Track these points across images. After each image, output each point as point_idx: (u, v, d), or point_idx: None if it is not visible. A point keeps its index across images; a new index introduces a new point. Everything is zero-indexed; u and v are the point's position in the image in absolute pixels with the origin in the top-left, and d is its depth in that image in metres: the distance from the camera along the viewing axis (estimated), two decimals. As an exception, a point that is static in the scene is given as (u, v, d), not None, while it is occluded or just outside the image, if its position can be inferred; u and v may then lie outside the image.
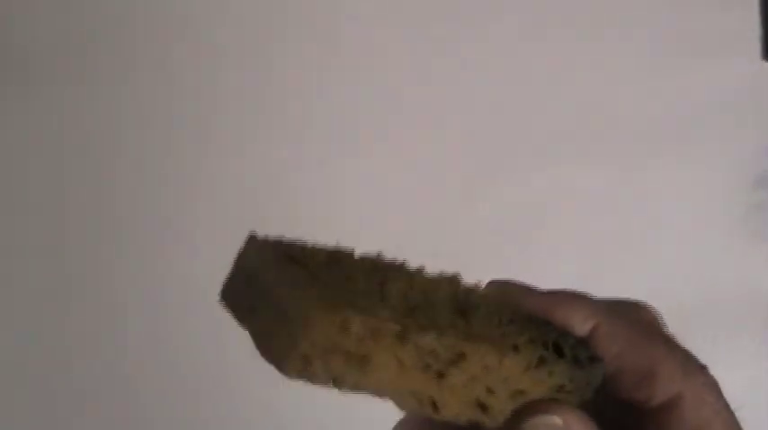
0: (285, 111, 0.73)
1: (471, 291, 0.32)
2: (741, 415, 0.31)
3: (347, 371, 0.27)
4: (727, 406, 0.31)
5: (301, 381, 0.27)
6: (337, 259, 0.31)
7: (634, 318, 0.33)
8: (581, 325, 0.31)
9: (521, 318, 0.31)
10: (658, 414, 0.31)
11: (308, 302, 0.26)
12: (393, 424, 0.33)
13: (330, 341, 0.26)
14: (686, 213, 0.73)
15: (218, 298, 0.30)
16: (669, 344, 0.31)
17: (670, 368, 0.30)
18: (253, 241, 0.30)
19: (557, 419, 0.29)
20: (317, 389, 0.27)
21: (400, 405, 0.29)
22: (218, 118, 0.72)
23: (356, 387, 0.27)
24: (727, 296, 0.71)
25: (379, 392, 0.28)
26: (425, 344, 0.28)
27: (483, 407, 0.29)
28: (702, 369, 0.31)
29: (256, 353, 0.27)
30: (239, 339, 0.29)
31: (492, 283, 0.33)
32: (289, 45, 0.73)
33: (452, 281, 0.32)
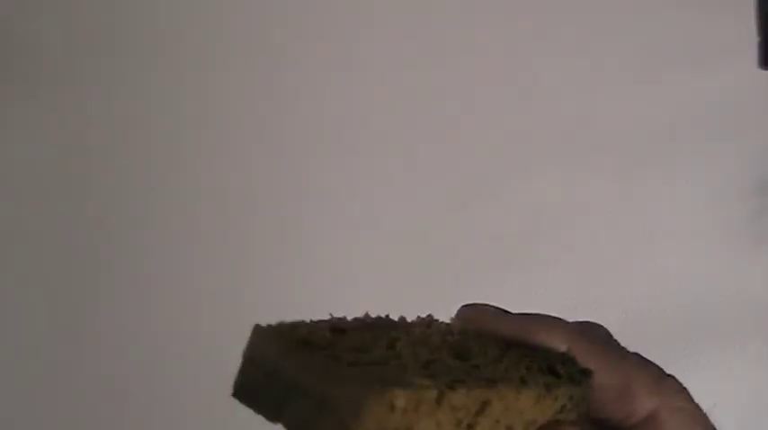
0: (285, 117, 0.73)
1: (451, 330, 0.33)
2: (716, 416, 0.32)
3: None
4: (699, 409, 0.32)
5: None
6: (341, 330, 0.32)
7: (602, 336, 0.33)
8: (557, 346, 0.32)
9: (504, 347, 0.32)
10: (639, 429, 0.31)
11: (351, 387, 0.27)
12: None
13: (380, 422, 0.27)
14: (687, 220, 0.74)
15: (231, 394, 0.30)
16: (639, 359, 0.32)
17: (645, 382, 0.31)
18: (258, 331, 0.31)
19: None
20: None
21: None
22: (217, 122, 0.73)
23: None
24: (729, 302, 0.71)
25: None
26: (458, 401, 0.29)
27: None
28: (671, 378, 0.32)
29: None
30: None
31: (464, 309, 0.33)
32: (289, 50, 0.74)
33: (432, 325, 0.33)
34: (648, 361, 0.32)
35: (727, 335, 0.70)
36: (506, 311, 0.34)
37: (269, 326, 0.31)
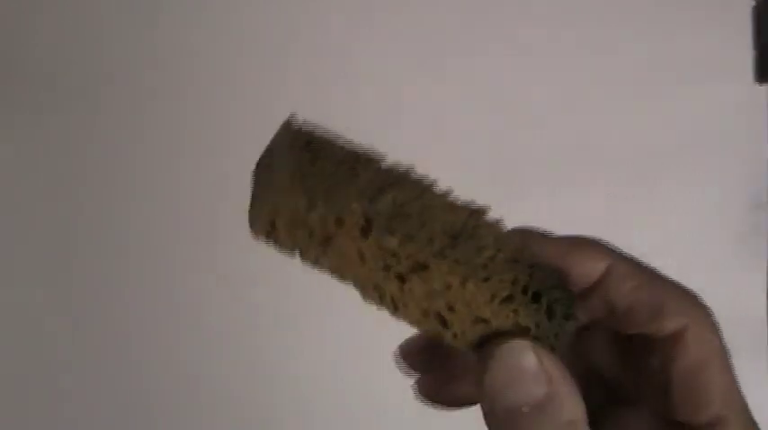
0: (283, 113, 0.73)
1: (486, 225, 0.32)
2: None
3: (310, 246, 0.29)
4: (724, 347, 0.33)
5: (268, 245, 0.29)
6: (354, 159, 0.32)
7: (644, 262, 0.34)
8: (595, 265, 0.33)
9: (523, 262, 0.31)
10: (664, 345, 0.32)
11: (285, 178, 0.29)
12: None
13: (295, 216, 0.29)
14: (683, 236, 0.74)
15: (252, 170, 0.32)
16: (676, 283, 0.33)
17: (679, 301, 0.33)
18: (287, 125, 0.32)
19: (531, 354, 0.30)
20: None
21: (363, 295, 0.30)
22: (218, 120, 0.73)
23: (318, 263, 0.30)
24: (726, 318, 0.71)
25: (342, 276, 0.30)
26: (386, 244, 0.29)
27: (444, 321, 0.31)
28: (706, 307, 0.33)
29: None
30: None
31: (514, 230, 0.33)
32: (293, 53, 0.74)
33: (473, 212, 0.32)
34: (686, 287, 0.33)
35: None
36: (550, 234, 0.34)
37: (300, 124, 0.32)
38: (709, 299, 0.73)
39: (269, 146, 0.32)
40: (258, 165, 0.32)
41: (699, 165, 0.74)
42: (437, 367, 0.35)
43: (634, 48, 0.75)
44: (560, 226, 0.71)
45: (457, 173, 0.73)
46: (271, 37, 0.73)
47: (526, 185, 0.73)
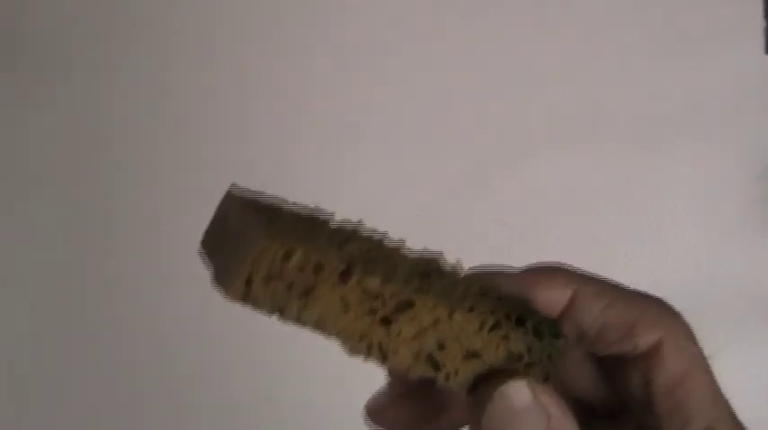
0: (288, 104, 0.73)
1: (448, 265, 0.32)
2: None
3: (290, 301, 0.28)
4: (702, 353, 0.32)
5: (247, 307, 0.28)
6: (309, 218, 0.32)
7: (609, 279, 0.34)
8: (561, 291, 0.32)
9: (491, 295, 0.32)
10: (641, 361, 0.32)
11: (256, 233, 0.28)
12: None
13: (273, 268, 0.28)
14: (690, 206, 0.73)
15: (198, 246, 0.31)
16: (644, 295, 0.33)
17: (650, 315, 0.32)
18: (230, 195, 0.31)
19: (527, 393, 0.30)
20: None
21: (350, 349, 0.29)
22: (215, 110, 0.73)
23: (300, 320, 0.28)
24: (732, 288, 0.71)
25: (325, 330, 0.29)
26: (369, 286, 0.28)
27: (435, 363, 0.30)
28: (678, 315, 0.32)
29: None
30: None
31: (474, 269, 0.33)
32: (289, 40, 0.73)
33: (431, 257, 0.32)
34: (656, 297, 0.33)
35: (733, 323, 0.70)
36: (511, 269, 0.34)
37: (243, 192, 0.32)
38: (717, 268, 0.72)
39: (214, 218, 0.31)
40: (206, 238, 0.31)
41: (706, 134, 0.74)
42: (416, 413, 0.34)
43: (643, 17, 0.74)
44: (566, 195, 0.71)
45: (468, 136, 0.73)
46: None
47: (539, 150, 0.73)
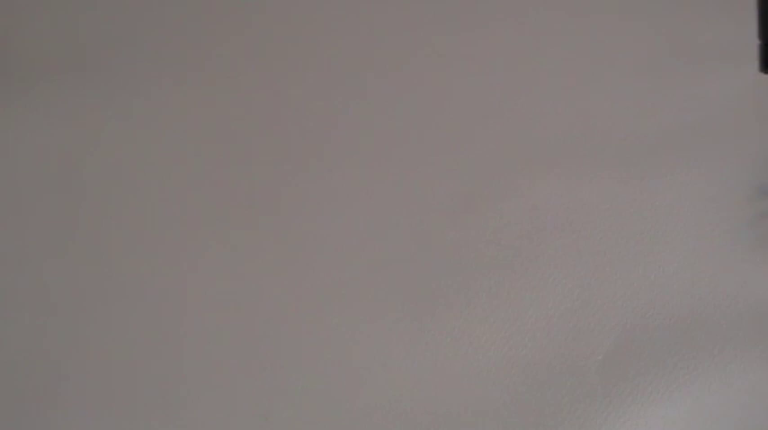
0: (284, 120, 0.73)
1: None
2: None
3: None
4: None
5: None
6: None
7: None
8: None
9: None
10: None
11: None
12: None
13: None
14: (689, 223, 0.73)
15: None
16: None
17: None
18: None
19: None
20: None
21: None
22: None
23: None
24: (731, 306, 0.71)
25: None
26: None
27: None
28: None
29: None
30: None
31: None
32: (281, 55, 0.74)
33: None
34: None
35: (730, 338, 0.70)
36: None
37: None
38: (715, 285, 0.72)
39: None
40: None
41: (703, 152, 0.74)
42: None
43: (638, 35, 0.74)
44: (566, 212, 0.71)
45: (462, 155, 0.73)
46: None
47: (534, 170, 0.73)
